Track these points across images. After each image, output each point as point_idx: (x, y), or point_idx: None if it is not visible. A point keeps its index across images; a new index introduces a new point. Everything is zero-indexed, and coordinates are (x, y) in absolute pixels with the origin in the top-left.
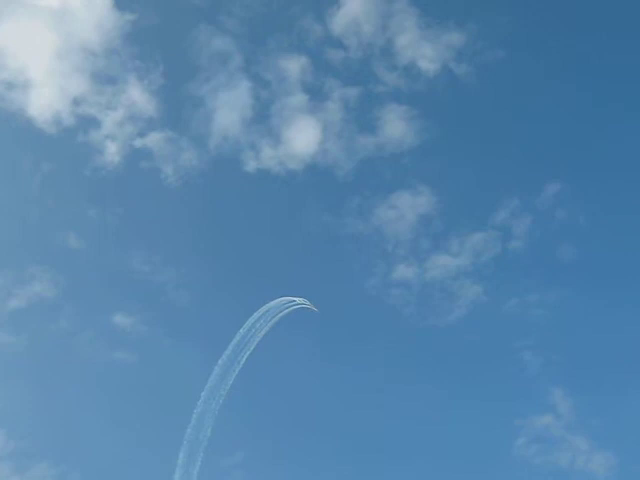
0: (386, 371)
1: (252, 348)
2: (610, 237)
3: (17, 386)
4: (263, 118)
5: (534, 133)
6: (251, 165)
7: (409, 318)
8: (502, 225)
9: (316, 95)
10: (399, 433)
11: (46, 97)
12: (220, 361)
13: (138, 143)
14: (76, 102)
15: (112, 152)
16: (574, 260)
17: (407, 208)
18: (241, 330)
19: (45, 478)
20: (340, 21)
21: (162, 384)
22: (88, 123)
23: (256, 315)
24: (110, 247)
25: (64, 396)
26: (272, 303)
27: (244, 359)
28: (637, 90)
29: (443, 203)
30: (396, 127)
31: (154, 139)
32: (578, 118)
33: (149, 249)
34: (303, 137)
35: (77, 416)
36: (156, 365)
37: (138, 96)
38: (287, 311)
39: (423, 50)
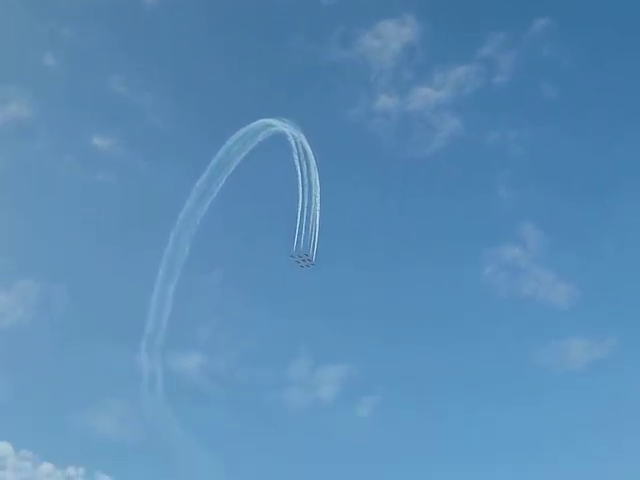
0: (365, 195)
1: (231, 170)
2: (594, 77)
3: None
4: None
5: None
6: None
7: (389, 148)
8: (487, 59)
9: None
10: (377, 245)
11: None
12: (198, 182)
13: None
14: None
15: None
16: (556, 98)
17: (392, 38)
18: (220, 152)
19: (30, 294)
20: None
21: (141, 205)
22: None
23: (235, 137)
24: (87, 67)
25: (45, 215)
26: (252, 125)
27: (223, 180)
28: None
29: (428, 34)
30: None
31: None
32: None
33: (127, 70)
34: None
35: (59, 234)
36: (135, 186)
37: None
38: (267, 134)
39: None
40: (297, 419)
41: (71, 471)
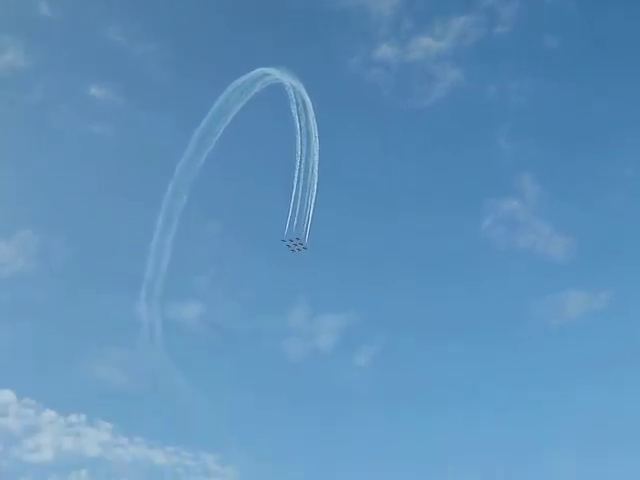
0: (364, 145)
1: (229, 119)
2: (596, 27)
3: None
4: None
5: None
6: None
7: (388, 99)
8: (488, 9)
9: None
10: (376, 195)
11: None
12: (196, 132)
13: None
14: None
15: None
16: (558, 49)
17: None
18: (218, 101)
19: (29, 244)
20: None
21: (139, 155)
22: None
23: (233, 86)
24: (84, 17)
25: (43, 166)
26: (250, 74)
27: (221, 131)
28: None
29: None
30: None
31: None
32: None
33: (125, 20)
34: None
35: (57, 185)
36: (133, 137)
37: None
38: (265, 84)
39: None
40: (296, 368)
41: (73, 418)
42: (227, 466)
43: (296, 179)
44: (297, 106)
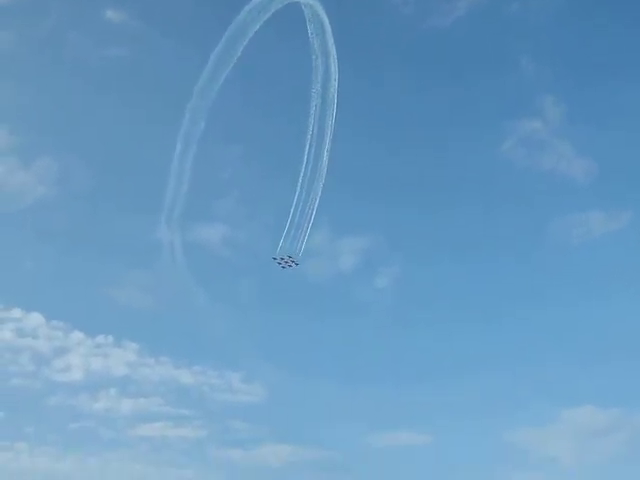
0: (384, 66)
1: (246, 41)
2: None
3: (13, 84)
4: None
5: None
6: None
7: (409, 19)
8: None
9: None
10: (396, 119)
11: None
12: (214, 54)
13: None
14: None
15: None
16: None
17: None
18: (234, 22)
19: (49, 170)
20: None
21: (157, 78)
22: None
23: (250, 6)
24: None
25: (60, 95)
26: None
27: (239, 52)
28: None
29: None
30: None
31: None
32: None
33: None
34: None
35: (75, 110)
36: (150, 60)
37: None
38: (281, 3)
39: None
40: (317, 288)
41: (100, 339)
42: (252, 383)
43: (314, 102)
44: (314, 25)
